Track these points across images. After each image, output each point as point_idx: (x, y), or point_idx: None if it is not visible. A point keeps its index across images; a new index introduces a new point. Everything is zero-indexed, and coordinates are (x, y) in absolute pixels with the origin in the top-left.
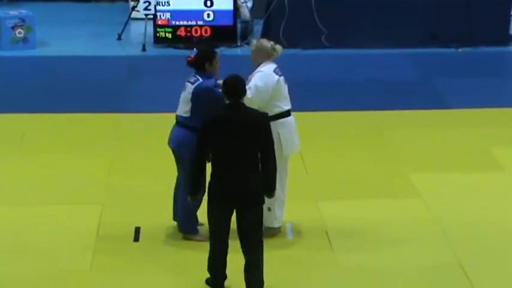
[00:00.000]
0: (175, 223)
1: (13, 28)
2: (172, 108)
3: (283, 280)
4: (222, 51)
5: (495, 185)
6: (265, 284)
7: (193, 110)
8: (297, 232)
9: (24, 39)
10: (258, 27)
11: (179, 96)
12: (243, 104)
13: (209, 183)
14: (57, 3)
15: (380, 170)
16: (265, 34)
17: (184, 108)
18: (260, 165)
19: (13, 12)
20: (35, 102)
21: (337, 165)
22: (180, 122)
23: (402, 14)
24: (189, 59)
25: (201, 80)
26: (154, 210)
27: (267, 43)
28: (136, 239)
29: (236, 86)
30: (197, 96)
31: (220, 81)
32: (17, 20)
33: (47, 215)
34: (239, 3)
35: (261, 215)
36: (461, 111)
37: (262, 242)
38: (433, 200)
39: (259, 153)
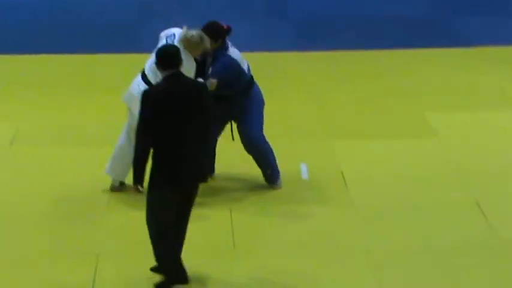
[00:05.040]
0: None
1: None
2: None
3: (298, 219)
4: None
5: (511, 124)
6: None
7: None
8: (313, 173)
9: None
10: None
11: None
12: (182, 72)
13: (156, 166)
14: None
15: (395, 109)
16: None
17: None
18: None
19: None
20: (49, 43)
21: (353, 105)
22: None
23: None
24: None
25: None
26: None
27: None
28: None
29: (176, 54)
30: None
31: None
32: None
33: (64, 156)
34: None
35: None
36: (476, 50)
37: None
38: (448, 138)
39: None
